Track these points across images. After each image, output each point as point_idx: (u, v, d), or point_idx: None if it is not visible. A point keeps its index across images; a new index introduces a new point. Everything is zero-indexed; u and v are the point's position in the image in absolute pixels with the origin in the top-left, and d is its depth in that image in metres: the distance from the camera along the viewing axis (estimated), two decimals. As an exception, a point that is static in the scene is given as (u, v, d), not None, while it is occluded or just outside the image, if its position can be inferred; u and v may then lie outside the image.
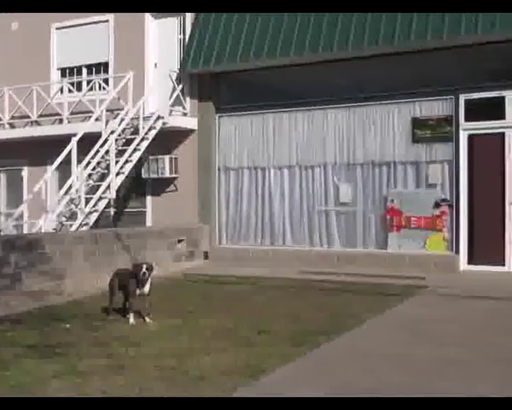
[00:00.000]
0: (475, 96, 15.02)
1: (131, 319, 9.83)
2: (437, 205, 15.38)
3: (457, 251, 15.15)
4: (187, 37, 17.54)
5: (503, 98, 14.80)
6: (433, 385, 6.76)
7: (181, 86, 17.54)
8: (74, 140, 16.29)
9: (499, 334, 9.15)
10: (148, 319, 9.89)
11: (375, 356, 7.98)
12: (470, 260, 15.11)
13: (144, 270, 9.91)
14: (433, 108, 15.45)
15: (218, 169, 17.61)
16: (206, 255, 17.13)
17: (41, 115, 18.88)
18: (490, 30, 14.17)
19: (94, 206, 16.25)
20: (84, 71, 19.45)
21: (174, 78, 17.48)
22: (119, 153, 16.63)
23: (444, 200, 15.36)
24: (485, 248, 14.98)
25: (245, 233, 17.37)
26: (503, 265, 14.72)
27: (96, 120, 17.18)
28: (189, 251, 16.60)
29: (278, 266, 15.65)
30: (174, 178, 17.66)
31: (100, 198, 16.32)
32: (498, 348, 8.40)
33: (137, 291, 9.95)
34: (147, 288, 9.99)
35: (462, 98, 15.09)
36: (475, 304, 11.42)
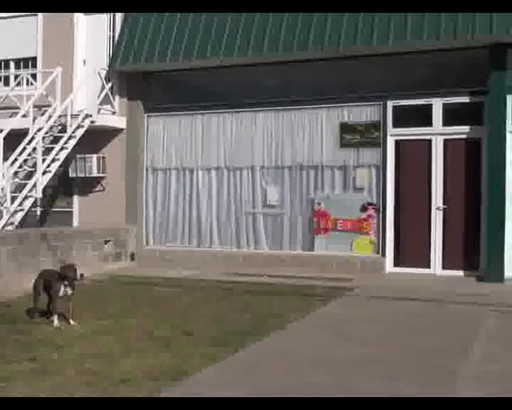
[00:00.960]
0: (403, 102, 15.46)
1: (56, 322, 9.75)
2: (364, 208, 15.75)
3: (384, 254, 15.55)
4: (117, 34, 17.46)
5: (430, 106, 15.26)
6: (353, 385, 6.97)
7: (110, 84, 17.47)
8: (0, 136, 16.05)
9: (419, 334, 9.44)
10: (72, 321, 9.83)
11: (298, 357, 8.14)
12: (397, 263, 15.57)
13: (78, 271, 9.92)
14: (362, 113, 15.82)
15: (146, 169, 17.64)
16: (133, 256, 17.18)
17: (-34, 110, 18.59)
18: (418, 39, 14.51)
19: (19, 205, 16.04)
20: (12, 65, 19.13)
21: (103, 75, 17.38)
22: (47, 151, 16.44)
23: (370, 203, 15.72)
24: (411, 250, 15.43)
25: (172, 234, 17.42)
26: (429, 267, 15.22)
27: (24, 116, 16.90)
28: (116, 252, 16.64)
29: (205, 267, 15.83)
30: (102, 178, 17.62)
31: (26, 197, 16.09)
32: (417, 346, 8.67)
33: (61, 292, 9.85)
34: (72, 289, 9.91)
35: (390, 105, 15.52)
36: (399, 305, 11.72)
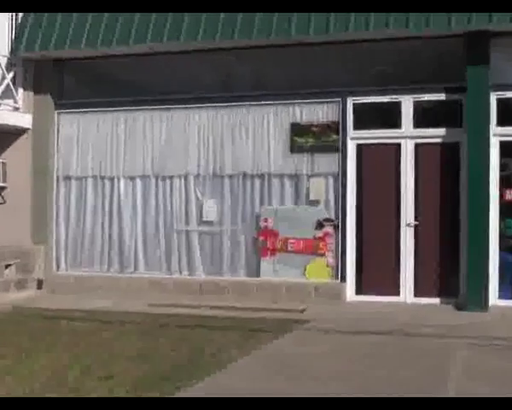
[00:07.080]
0: (366, 100, 15.49)
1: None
2: (319, 225, 15.68)
3: (343, 279, 15.47)
4: (21, 14, 16.84)
5: (398, 104, 15.24)
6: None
7: (12, 74, 16.86)
8: None
9: (376, 384, 8.96)
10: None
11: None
12: (359, 290, 15.49)
13: None
14: (317, 112, 15.76)
15: (57, 178, 17.17)
16: (40, 284, 16.70)
17: None
18: (384, 25, 14.52)
19: None
20: None
21: (4, 63, 16.74)
22: None
23: (328, 219, 15.65)
24: (376, 275, 15.32)
25: (89, 257, 16.92)
26: (398, 294, 15.17)
27: None
28: (19, 278, 16.33)
29: (128, 296, 15.53)
30: (2, 188, 17.12)
31: None
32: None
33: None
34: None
35: (351, 102, 15.48)
36: (358, 341, 11.58)
